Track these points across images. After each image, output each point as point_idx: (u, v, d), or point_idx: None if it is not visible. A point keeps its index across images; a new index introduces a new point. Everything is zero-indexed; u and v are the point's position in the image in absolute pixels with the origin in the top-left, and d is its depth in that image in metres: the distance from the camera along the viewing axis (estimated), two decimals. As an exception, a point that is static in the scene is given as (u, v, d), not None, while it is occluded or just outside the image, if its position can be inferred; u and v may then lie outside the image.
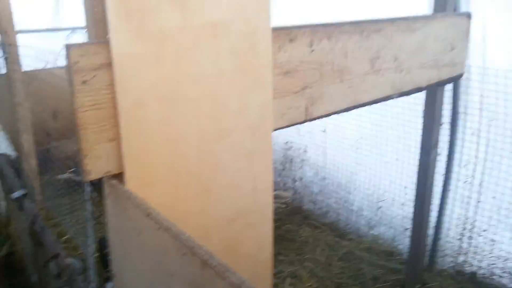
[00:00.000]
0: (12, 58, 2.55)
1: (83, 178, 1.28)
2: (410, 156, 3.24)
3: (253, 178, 1.62)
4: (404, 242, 3.40)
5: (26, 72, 2.74)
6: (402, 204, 3.39)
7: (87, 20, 1.31)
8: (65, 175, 4.50)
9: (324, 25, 1.80)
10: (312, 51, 1.76)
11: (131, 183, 1.32)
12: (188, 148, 1.42)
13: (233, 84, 1.48)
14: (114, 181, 1.31)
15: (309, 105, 1.79)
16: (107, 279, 3.10)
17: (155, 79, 1.30)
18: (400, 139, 3.33)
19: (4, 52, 2.58)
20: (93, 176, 1.29)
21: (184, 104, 1.38)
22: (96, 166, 1.28)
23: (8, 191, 3.20)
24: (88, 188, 1.34)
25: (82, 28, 6.02)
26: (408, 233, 3.33)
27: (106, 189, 1.35)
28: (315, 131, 4.07)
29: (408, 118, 3.23)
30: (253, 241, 1.66)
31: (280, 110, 1.68)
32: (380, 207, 3.59)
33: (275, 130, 1.67)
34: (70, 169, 4.47)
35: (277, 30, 1.61)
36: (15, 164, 3.51)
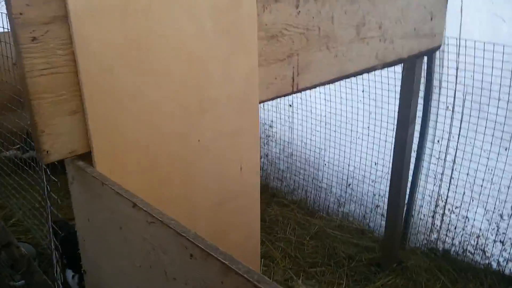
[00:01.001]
0: None
1: (41, 159, 1.00)
2: (381, 131, 3.08)
3: (239, 158, 1.39)
4: (375, 220, 3.27)
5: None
6: (373, 181, 3.24)
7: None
8: (10, 152, 4.08)
9: (310, -15, 1.57)
10: (299, 12, 1.53)
11: (101, 164, 1.06)
12: (166, 123, 1.17)
13: (214, 47, 1.22)
14: (81, 163, 1.04)
15: (295, 74, 1.57)
16: (65, 265, 2.81)
17: (123, 37, 1.03)
18: (370, 113, 3.16)
19: None
20: (54, 157, 1.02)
21: (158, 69, 1.12)
22: (56, 145, 1.01)
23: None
24: (44, 172, 1.06)
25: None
26: (380, 210, 3.20)
27: (71, 172, 1.08)
28: (281, 105, 3.85)
29: (377, 92, 3.05)
30: (242, 227, 1.43)
31: (266, 79, 1.44)
32: (350, 184, 3.43)
33: (261, 102, 1.44)
34: (15, 145, 4.06)
35: (261, -13, 1.36)
36: None
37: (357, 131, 3.28)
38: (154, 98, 1.12)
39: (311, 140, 3.68)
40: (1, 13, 2.35)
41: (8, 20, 0.90)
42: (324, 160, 3.61)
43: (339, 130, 3.42)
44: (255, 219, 1.48)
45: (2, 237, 2.07)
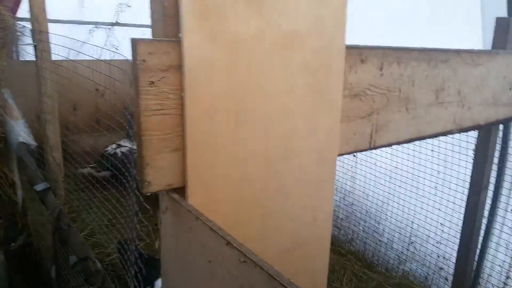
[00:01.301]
0: (42, 46, 2.37)
1: (141, 188, 1.11)
2: (449, 193, 3.02)
3: (314, 207, 1.44)
4: (438, 283, 3.16)
5: (54, 62, 2.52)
6: (438, 242, 3.16)
7: (153, 14, 1.15)
8: (86, 170, 4.36)
9: (395, 49, 1.63)
10: (382, 74, 1.59)
11: (193, 198, 1.16)
12: (254, 167, 1.25)
13: (303, 102, 1.31)
14: (176, 195, 1.14)
15: (374, 132, 1.62)
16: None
17: (227, 88, 1.14)
18: (439, 173, 3.11)
19: (33, 39, 2.41)
20: (154, 188, 1.12)
21: (253, 119, 1.21)
22: (157, 177, 1.12)
23: (27, 181, 3.05)
24: (133, 199, 1.17)
25: (105, 24, 5.89)
26: (443, 273, 3.09)
27: (165, 203, 1.19)
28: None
29: (447, 153, 3.01)
30: (309, 275, 1.47)
31: (346, 135, 1.51)
32: (412, 242, 3.35)
33: (339, 155, 1.49)
34: (89, 164, 4.34)
35: (349, 49, 1.44)
36: (35, 154, 3.38)
37: (423, 189, 3.23)
38: (246, 143, 1.21)
39: (373, 192, 3.65)
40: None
41: (132, 64, 1.03)
42: (386, 214, 3.57)
43: (404, 185, 3.38)
44: (322, 268, 1.51)
45: (80, 251, 2.22)
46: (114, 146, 4.66)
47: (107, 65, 2.41)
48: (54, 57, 2.41)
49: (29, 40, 3.19)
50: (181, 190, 1.16)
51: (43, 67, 2.34)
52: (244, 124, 1.20)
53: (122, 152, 4.59)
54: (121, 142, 4.67)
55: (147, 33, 5.89)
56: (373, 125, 1.60)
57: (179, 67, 1.07)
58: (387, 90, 1.63)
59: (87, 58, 2.53)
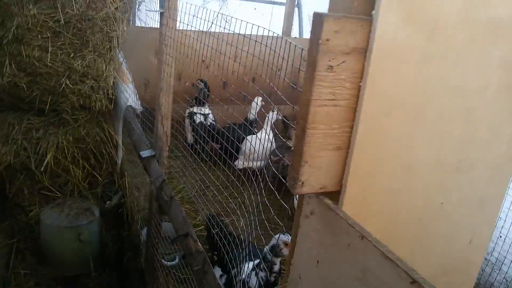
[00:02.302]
0: (169, 14, 2.23)
1: (293, 189, 0.94)
2: None
3: (473, 229, 1.20)
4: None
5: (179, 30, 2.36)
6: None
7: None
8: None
9: None
10: None
11: (347, 205, 0.96)
12: (419, 178, 1.03)
13: (491, 106, 1.06)
14: (328, 201, 0.96)
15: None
16: (214, 262, 2.84)
17: (414, 80, 0.92)
18: None
19: (161, 6, 2.29)
20: (306, 189, 0.94)
21: (431, 120, 0.99)
22: (312, 178, 0.93)
23: (132, 145, 3.03)
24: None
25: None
26: None
27: (311, 207, 1.00)
28: None
29: None
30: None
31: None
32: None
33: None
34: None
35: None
36: (141, 118, 3.37)
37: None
38: (417, 149, 0.99)
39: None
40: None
41: (312, 44, 0.83)
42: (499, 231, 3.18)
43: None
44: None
45: (181, 226, 2.13)
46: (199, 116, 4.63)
47: (214, 38, 2.26)
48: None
49: (149, 6, 3.14)
50: (333, 195, 0.98)
51: (167, 35, 2.23)
52: (421, 126, 0.98)
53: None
54: (195, 109, 4.62)
55: (258, 8, 5.71)
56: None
57: (362, 51, 0.86)
58: None
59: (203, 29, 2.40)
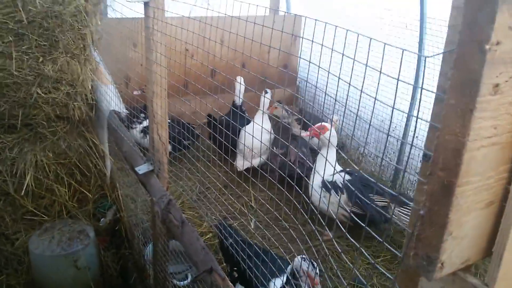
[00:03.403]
0: (156, 3, 1.82)
1: (428, 274, 0.60)
2: None
3: None
4: None
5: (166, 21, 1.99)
6: None
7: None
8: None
9: None
10: None
11: (503, 284, 0.64)
12: None
13: None
14: (475, 280, 0.63)
15: None
16: (235, 280, 2.52)
17: None
18: None
19: None
20: (445, 270, 0.61)
21: None
22: (454, 253, 0.61)
23: (124, 160, 2.67)
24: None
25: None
26: None
27: (441, 285, 0.67)
28: None
29: None
30: None
31: None
32: None
33: None
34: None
35: None
36: (125, 122, 2.99)
37: None
38: None
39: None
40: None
41: (461, 50, 0.49)
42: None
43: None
44: None
45: (201, 258, 1.79)
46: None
47: (198, 23, 1.91)
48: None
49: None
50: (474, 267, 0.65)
51: (154, 28, 1.84)
52: None
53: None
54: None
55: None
56: None
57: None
58: None
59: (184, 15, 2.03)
